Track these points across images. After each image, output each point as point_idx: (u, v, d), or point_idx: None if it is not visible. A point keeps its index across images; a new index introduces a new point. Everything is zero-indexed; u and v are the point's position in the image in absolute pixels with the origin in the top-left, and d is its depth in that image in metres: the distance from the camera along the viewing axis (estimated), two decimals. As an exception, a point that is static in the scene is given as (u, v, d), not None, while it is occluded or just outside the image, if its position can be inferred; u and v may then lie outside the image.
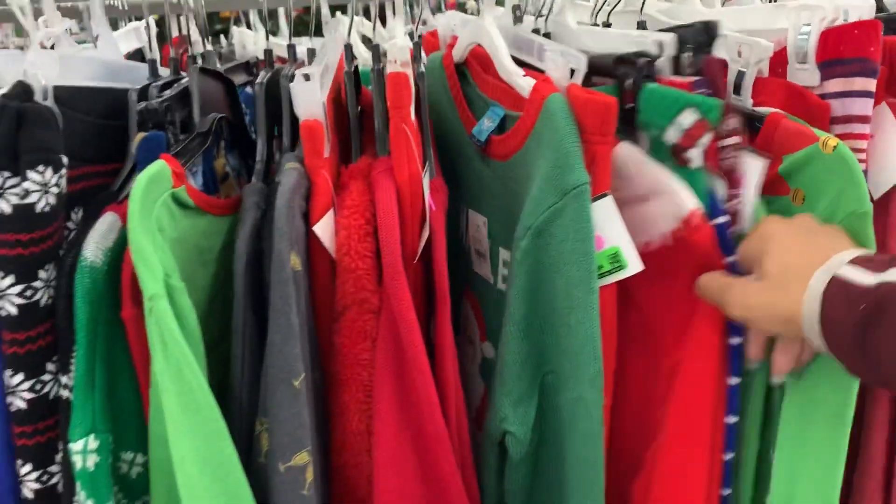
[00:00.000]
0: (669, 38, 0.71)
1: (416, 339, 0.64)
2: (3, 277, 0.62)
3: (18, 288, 0.62)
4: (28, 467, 0.66)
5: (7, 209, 0.61)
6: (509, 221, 0.74)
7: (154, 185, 0.62)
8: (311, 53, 0.94)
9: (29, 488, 0.66)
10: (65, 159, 0.64)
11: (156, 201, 0.62)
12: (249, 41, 1.37)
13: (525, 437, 0.66)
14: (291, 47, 0.90)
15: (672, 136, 0.64)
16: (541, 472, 0.70)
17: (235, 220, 0.74)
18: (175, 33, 1.14)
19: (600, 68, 0.69)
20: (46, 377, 0.65)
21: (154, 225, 0.60)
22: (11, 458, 0.67)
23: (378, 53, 0.80)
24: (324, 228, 0.68)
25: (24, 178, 0.61)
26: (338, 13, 1.36)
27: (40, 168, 0.62)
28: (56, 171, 0.63)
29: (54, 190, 0.63)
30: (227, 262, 0.69)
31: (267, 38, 0.93)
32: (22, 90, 0.67)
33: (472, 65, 0.86)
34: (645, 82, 0.67)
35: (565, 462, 0.66)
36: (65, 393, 0.65)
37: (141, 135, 0.70)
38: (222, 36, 1.67)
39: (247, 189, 0.71)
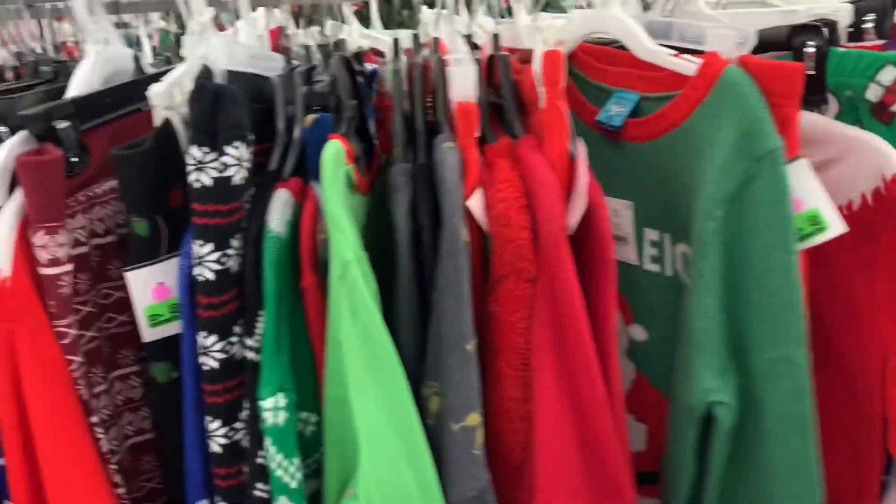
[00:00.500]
0: (847, 9, 0.72)
1: (579, 307, 0.67)
2: (202, 245, 0.67)
3: (216, 255, 0.67)
4: (217, 423, 0.71)
5: (208, 182, 0.66)
6: (662, 199, 0.76)
7: (339, 162, 0.66)
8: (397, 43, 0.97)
9: (217, 443, 0.72)
10: (252, 136, 0.70)
11: (340, 176, 0.66)
12: (343, 33, 1.42)
13: (734, 403, 0.68)
14: (396, 40, 0.93)
15: (873, 93, 0.66)
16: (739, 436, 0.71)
17: (372, 198, 0.79)
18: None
19: (765, 41, 0.71)
20: (234, 339, 0.70)
21: (344, 197, 0.65)
22: (199, 414, 0.73)
23: (497, 41, 0.84)
24: (476, 203, 0.72)
25: (222, 154, 0.66)
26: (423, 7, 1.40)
27: (236, 144, 0.67)
28: (248, 147, 0.68)
29: (246, 164, 0.68)
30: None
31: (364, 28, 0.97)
32: (207, 73, 0.73)
33: (581, 57, 0.88)
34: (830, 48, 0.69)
35: (765, 420, 0.67)
36: (249, 354, 0.70)
37: (312, 116, 0.74)
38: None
39: (397, 168, 0.75)
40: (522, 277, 0.68)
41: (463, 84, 0.72)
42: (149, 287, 0.74)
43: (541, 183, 0.68)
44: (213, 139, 0.66)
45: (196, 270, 0.68)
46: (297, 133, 0.76)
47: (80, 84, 0.86)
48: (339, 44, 0.93)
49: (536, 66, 0.73)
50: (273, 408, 0.66)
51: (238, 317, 0.70)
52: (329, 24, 1.53)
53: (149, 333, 0.76)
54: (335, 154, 0.66)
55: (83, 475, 0.72)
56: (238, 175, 0.67)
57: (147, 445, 0.87)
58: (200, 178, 0.66)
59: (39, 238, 0.69)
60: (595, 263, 0.71)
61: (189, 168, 0.66)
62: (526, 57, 0.82)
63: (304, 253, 0.67)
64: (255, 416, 0.69)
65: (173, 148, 0.76)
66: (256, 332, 0.70)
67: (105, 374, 0.81)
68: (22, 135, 0.72)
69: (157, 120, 0.76)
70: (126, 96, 0.87)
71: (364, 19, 1.43)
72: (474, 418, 0.66)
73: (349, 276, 0.62)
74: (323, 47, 0.99)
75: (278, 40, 1.17)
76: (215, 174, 0.66)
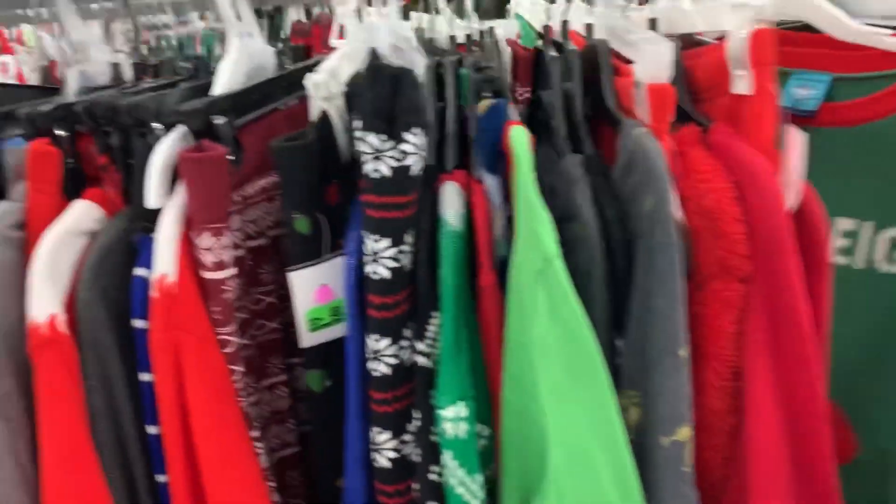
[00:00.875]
0: None
1: (803, 311, 0.59)
2: (378, 240, 0.62)
3: (393, 251, 0.62)
4: (386, 435, 0.66)
5: (386, 172, 0.61)
6: (871, 185, 0.68)
7: (530, 149, 0.60)
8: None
9: (385, 457, 0.66)
10: (430, 122, 0.64)
11: (532, 165, 0.60)
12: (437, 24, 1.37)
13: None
14: (491, 28, 0.88)
15: None
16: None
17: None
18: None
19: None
20: (404, 343, 0.65)
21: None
22: (364, 424, 0.67)
23: (592, 31, 0.80)
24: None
25: (401, 141, 0.61)
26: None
27: (415, 131, 0.61)
28: (426, 134, 0.63)
29: (423, 153, 0.63)
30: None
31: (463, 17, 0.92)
32: (376, 57, 0.68)
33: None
34: None
35: None
36: (420, 360, 0.65)
37: (486, 103, 0.69)
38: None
39: (570, 159, 0.68)
40: (734, 276, 0.61)
41: (657, 64, 0.65)
42: (312, 289, 0.69)
43: (755, 172, 0.61)
44: (391, 126, 0.61)
45: (369, 268, 0.63)
46: (450, 124, 0.71)
47: (225, 80, 0.82)
48: (489, 31, 0.87)
49: (735, 46, 0.66)
50: (454, 418, 0.60)
51: (409, 319, 0.65)
52: (414, 15, 1.49)
53: (308, 338, 0.71)
54: (527, 140, 0.60)
55: (248, 491, 0.67)
56: (416, 165, 0.62)
57: (293, 460, 0.82)
58: (379, 168, 0.61)
59: (205, 240, 0.65)
60: (808, 265, 0.63)
61: (365, 157, 0.61)
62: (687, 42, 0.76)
63: (482, 248, 0.62)
64: (426, 428, 0.64)
65: (331, 142, 0.72)
66: (427, 336, 0.64)
67: (256, 384, 0.77)
68: (180, 131, 0.68)
69: (314, 112, 0.72)
70: (269, 92, 0.83)
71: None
72: (686, 432, 0.59)
73: (552, 271, 0.55)
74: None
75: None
76: (394, 163, 0.61)
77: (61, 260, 0.67)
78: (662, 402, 0.58)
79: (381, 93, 0.61)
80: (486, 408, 0.65)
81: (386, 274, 0.62)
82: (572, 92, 0.72)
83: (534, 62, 0.78)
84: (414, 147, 0.61)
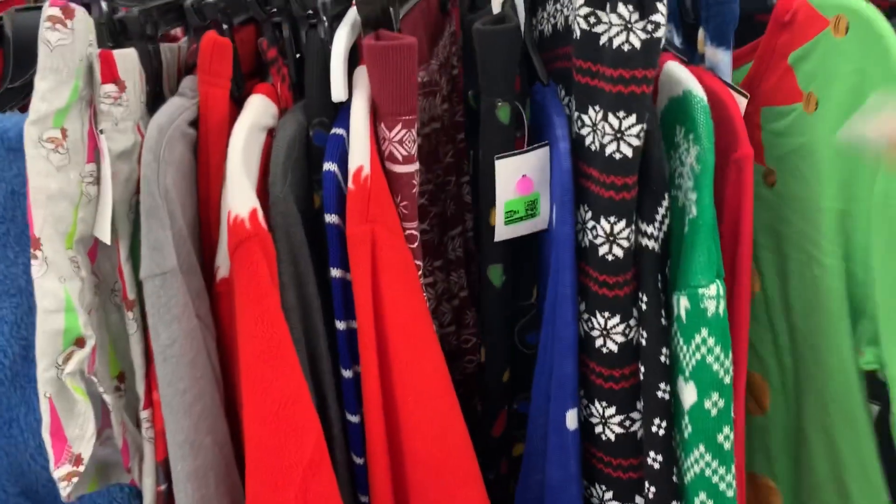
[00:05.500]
0: None
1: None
2: (625, 116, 0.60)
3: (637, 129, 0.60)
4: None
5: (637, 44, 0.58)
6: None
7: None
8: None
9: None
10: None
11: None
12: None
13: None
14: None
15: None
16: None
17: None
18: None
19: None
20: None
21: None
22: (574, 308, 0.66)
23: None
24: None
25: (653, 12, 0.58)
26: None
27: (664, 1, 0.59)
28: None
29: (665, 29, 0.61)
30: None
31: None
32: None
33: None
34: None
35: None
36: (647, 242, 0.63)
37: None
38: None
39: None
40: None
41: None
42: (514, 179, 0.68)
43: None
44: (640, -1, 0.58)
45: (611, 147, 0.61)
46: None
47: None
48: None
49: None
50: (716, 295, 0.60)
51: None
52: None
53: (502, 232, 0.70)
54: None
55: (437, 382, 0.66)
56: (661, 41, 0.60)
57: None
58: (630, 40, 0.58)
59: (397, 132, 0.62)
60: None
61: (615, 30, 0.59)
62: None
63: (737, 120, 0.61)
64: (655, 312, 0.63)
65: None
66: (657, 219, 0.63)
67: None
68: (352, 20, 0.64)
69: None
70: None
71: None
72: None
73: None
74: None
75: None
76: (644, 36, 0.58)
77: (251, 155, 0.64)
78: None
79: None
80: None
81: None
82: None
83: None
84: (663, 18, 0.59)
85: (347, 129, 0.63)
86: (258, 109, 0.65)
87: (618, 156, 0.61)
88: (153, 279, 0.60)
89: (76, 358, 0.60)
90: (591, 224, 0.64)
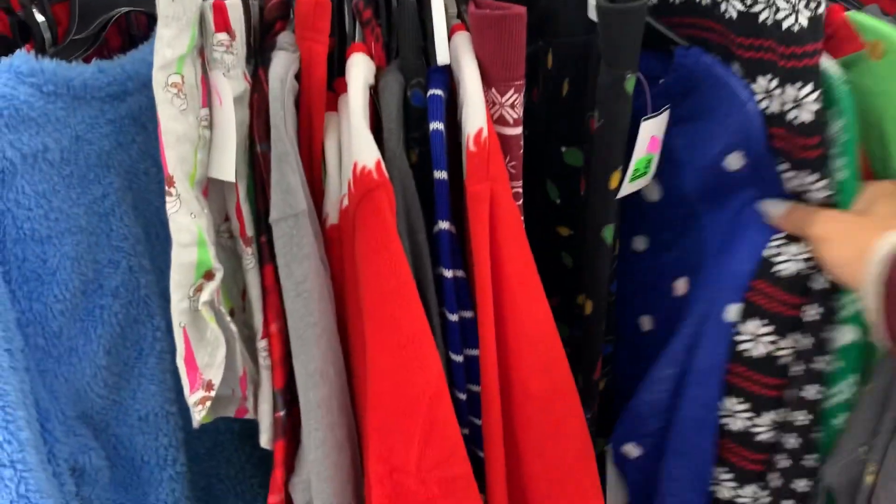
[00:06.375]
0: None
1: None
2: (801, 87, 0.60)
3: (814, 96, 0.60)
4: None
5: (804, 23, 0.58)
6: None
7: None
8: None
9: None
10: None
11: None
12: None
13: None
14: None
15: None
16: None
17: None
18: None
19: None
20: None
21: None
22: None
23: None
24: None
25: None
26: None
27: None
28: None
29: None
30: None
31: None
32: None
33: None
34: None
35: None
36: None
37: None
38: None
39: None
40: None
41: None
42: (647, 138, 0.69)
43: None
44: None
45: (792, 114, 0.62)
46: None
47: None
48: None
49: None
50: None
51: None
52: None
53: (626, 188, 0.71)
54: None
55: (545, 323, 0.69)
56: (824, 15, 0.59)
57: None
58: (799, 21, 0.58)
59: (509, 97, 0.65)
60: None
61: (782, 13, 0.58)
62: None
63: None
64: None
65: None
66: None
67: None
68: None
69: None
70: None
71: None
72: None
73: None
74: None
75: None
76: (810, 14, 0.57)
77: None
78: None
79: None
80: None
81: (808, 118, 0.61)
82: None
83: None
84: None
85: (444, 90, 0.66)
86: (365, 68, 0.66)
87: (797, 121, 0.62)
88: (286, 220, 0.63)
89: (208, 289, 0.63)
90: None
